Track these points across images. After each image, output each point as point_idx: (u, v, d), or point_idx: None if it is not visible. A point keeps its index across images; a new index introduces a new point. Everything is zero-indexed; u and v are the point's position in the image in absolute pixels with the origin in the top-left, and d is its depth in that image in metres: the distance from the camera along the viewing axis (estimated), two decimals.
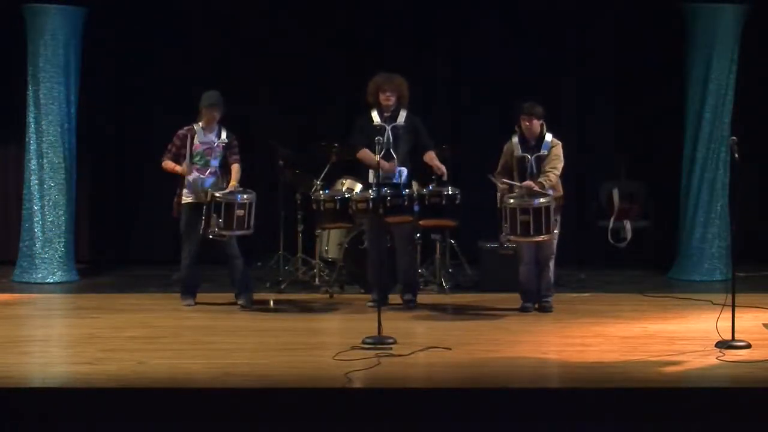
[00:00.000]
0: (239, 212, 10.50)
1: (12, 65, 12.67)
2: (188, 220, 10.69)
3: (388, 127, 10.65)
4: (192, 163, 10.65)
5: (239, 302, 10.85)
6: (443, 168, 10.66)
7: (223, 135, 10.79)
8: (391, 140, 10.60)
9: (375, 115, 10.72)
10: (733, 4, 12.31)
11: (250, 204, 10.59)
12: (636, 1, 13.18)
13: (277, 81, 13.28)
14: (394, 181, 10.52)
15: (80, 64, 12.37)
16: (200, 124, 10.73)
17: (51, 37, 12.13)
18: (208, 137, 10.73)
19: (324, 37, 13.33)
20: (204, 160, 10.72)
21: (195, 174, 10.68)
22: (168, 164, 10.74)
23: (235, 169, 10.77)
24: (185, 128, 10.74)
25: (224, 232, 10.52)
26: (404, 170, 10.63)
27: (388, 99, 10.64)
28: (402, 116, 10.72)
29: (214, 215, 10.44)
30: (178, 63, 13.31)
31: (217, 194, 10.48)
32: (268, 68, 13.27)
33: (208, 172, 10.72)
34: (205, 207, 10.51)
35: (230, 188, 10.61)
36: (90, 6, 12.29)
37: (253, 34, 13.32)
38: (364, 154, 10.58)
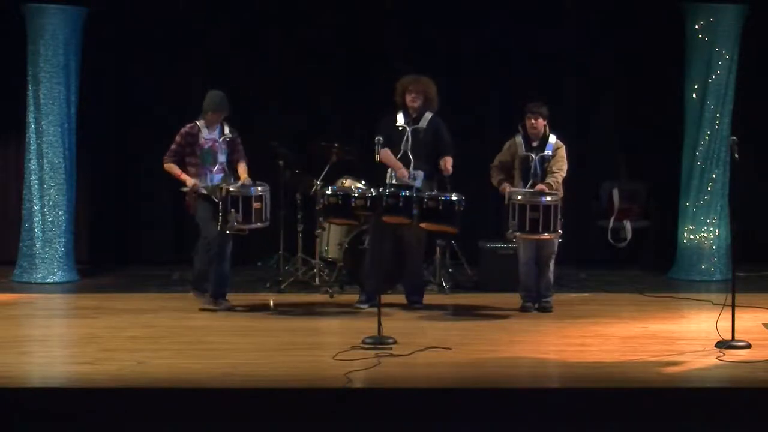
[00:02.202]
0: (256, 205, 10.43)
1: (12, 65, 12.65)
2: (202, 209, 10.53)
3: (409, 130, 10.63)
4: (202, 165, 10.53)
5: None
6: (449, 170, 10.59)
7: (227, 130, 10.70)
8: (410, 143, 10.57)
9: (400, 117, 10.71)
10: (733, 4, 12.31)
11: (265, 196, 10.54)
12: (636, 1, 13.16)
13: (277, 81, 13.26)
14: (416, 185, 10.47)
15: (80, 64, 12.37)
16: (203, 122, 10.64)
17: (51, 37, 12.12)
18: (212, 134, 10.63)
19: (324, 37, 13.31)
20: (211, 156, 10.62)
21: (205, 173, 10.57)
22: (174, 169, 10.58)
23: (242, 166, 10.69)
24: (188, 126, 10.63)
25: (244, 226, 10.43)
26: (421, 173, 10.59)
27: (414, 100, 10.64)
28: (425, 119, 10.67)
29: (232, 210, 10.33)
30: (178, 63, 13.30)
31: (232, 188, 10.38)
32: (268, 68, 13.26)
33: (216, 168, 10.61)
34: (221, 203, 10.37)
35: (242, 182, 10.54)
36: (90, 6, 12.28)
37: (253, 34, 13.30)
38: (385, 154, 10.49)
